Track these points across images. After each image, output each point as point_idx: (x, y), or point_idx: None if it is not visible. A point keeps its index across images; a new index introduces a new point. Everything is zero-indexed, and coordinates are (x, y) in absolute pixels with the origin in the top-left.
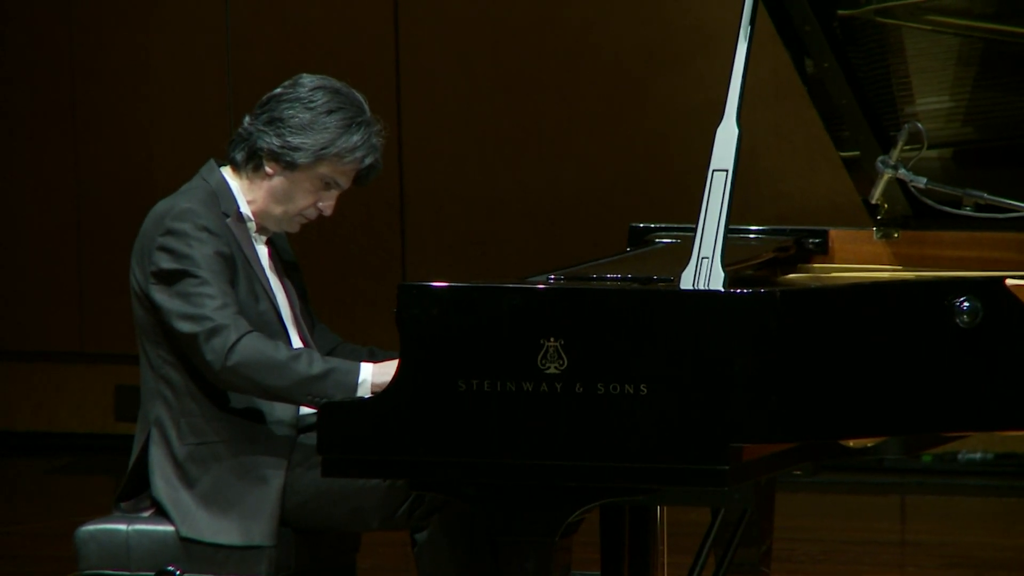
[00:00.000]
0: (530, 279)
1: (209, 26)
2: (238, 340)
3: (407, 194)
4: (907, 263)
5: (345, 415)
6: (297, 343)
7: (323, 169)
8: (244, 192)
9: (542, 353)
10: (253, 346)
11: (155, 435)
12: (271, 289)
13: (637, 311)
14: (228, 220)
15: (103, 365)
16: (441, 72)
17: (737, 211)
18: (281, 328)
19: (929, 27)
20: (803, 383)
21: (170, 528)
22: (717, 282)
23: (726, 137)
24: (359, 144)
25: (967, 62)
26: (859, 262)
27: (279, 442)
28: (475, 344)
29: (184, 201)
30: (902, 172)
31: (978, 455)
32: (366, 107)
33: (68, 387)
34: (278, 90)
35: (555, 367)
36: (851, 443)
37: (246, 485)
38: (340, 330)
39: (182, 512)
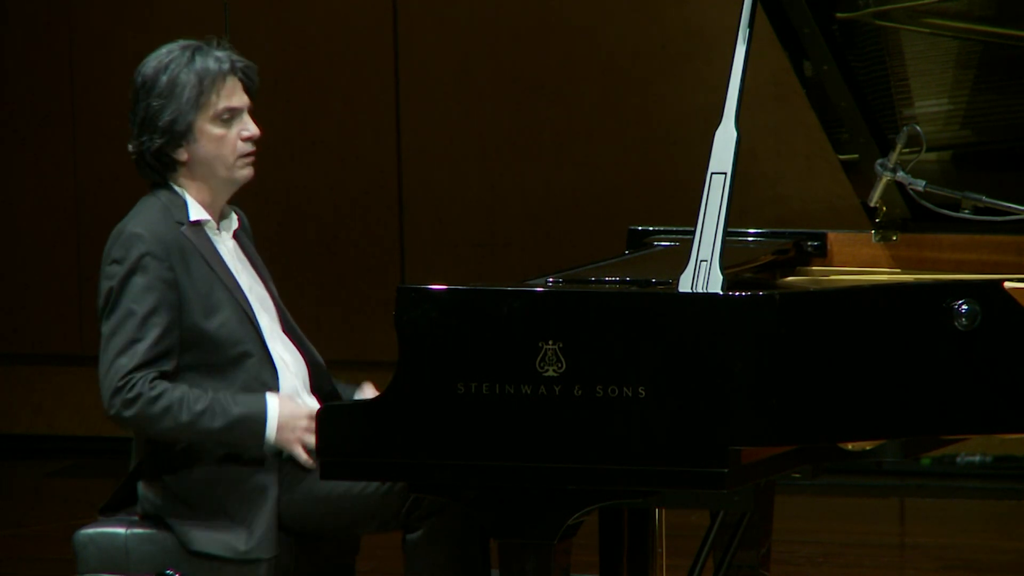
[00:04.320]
0: (529, 282)
1: (209, 27)
2: (129, 394)
3: (406, 197)
4: (906, 266)
5: (344, 418)
6: (276, 341)
7: (206, 112)
8: (191, 192)
9: (541, 356)
10: (146, 403)
11: (149, 452)
12: (239, 289)
13: (636, 314)
14: (183, 229)
15: None
16: (440, 75)
17: (736, 214)
18: (251, 329)
19: (928, 30)
20: (802, 386)
21: (170, 532)
22: (716, 285)
23: (725, 140)
24: (204, 66)
25: (965, 65)
26: (858, 265)
27: (270, 456)
28: (474, 347)
29: (134, 224)
30: (901, 175)
31: (977, 458)
32: (185, 41)
33: (68, 390)
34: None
35: (554, 370)
36: (850, 446)
37: (241, 499)
38: (339, 332)
39: (180, 527)
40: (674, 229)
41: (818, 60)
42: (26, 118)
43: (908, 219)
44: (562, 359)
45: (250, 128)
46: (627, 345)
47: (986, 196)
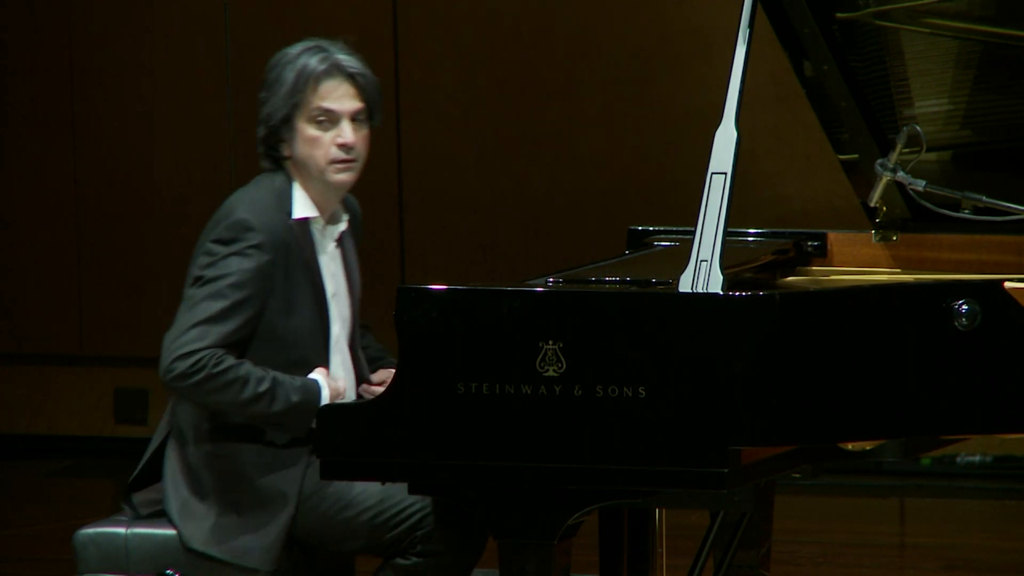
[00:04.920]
0: (529, 282)
1: (209, 28)
2: (194, 366)
3: (406, 197)
4: (906, 266)
5: (344, 417)
6: (337, 354)
7: (302, 111)
8: (301, 185)
9: (541, 356)
10: (213, 372)
11: (174, 434)
12: (324, 297)
13: (636, 314)
14: (291, 222)
15: (103, 368)
16: (440, 75)
17: (736, 214)
18: (320, 339)
19: (928, 30)
20: (802, 386)
21: (169, 532)
22: (716, 285)
23: (725, 140)
24: (305, 64)
25: (965, 65)
26: (858, 265)
27: (294, 470)
28: (474, 347)
29: (246, 209)
30: (901, 175)
31: (977, 458)
32: (314, 40)
33: (68, 390)
34: None
35: (554, 370)
36: (850, 446)
37: (255, 507)
38: None
39: (185, 518)
40: (674, 229)
41: (818, 60)
42: (27, 120)
43: (908, 219)
44: (562, 359)
45: (345, 135)
46: (627, 345)
47: (986, 196)
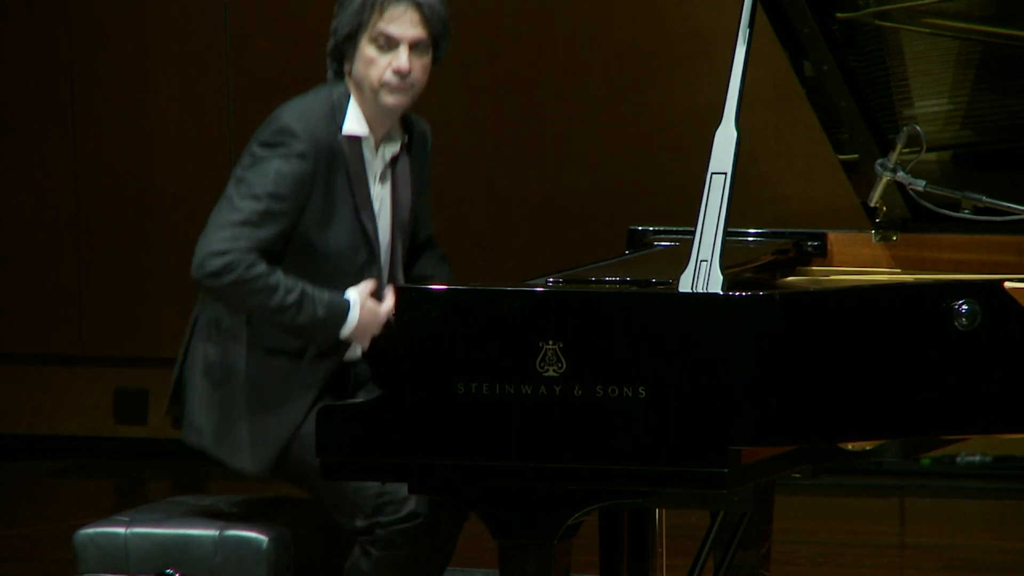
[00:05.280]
0: (529, 282)
1: (208, 27)
2: (225, 267)
3: None
4: (906, 266)
5: (344, 418)
6: (373, 281)
7: (366, 31)
8: (356, 100)
9: (541, 356)
10: (241, 279)
11: (198, 330)
12: (370, 215)
13: (636, 314)
14: (340, 137)
15: (103, 368)
16: (440, 75)
17: (736, 214)
18: (359, 260)
19: (927, 30)
20: (802, 386)
21: (170, 531)
22: (716, 285)
23: (725, 140)
24: None
25: (965, 65)
26: (858, 265)
27: (307, 391)
28: (474, 347)
29: (295, 117)
30: (901, 175)
31: (977, 458)
32: None
33: (68, 390)
34: None
35: (554, 370)
36: (850, 446)
37: (260, 411)
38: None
39: (193, 410)
40: (674, 229)
41: (818, 60)
42: (27, 119)
43: (908, 219)
44: (562, 359)
45: (400, 61)
46: (627, 345)
47: (986, 196)
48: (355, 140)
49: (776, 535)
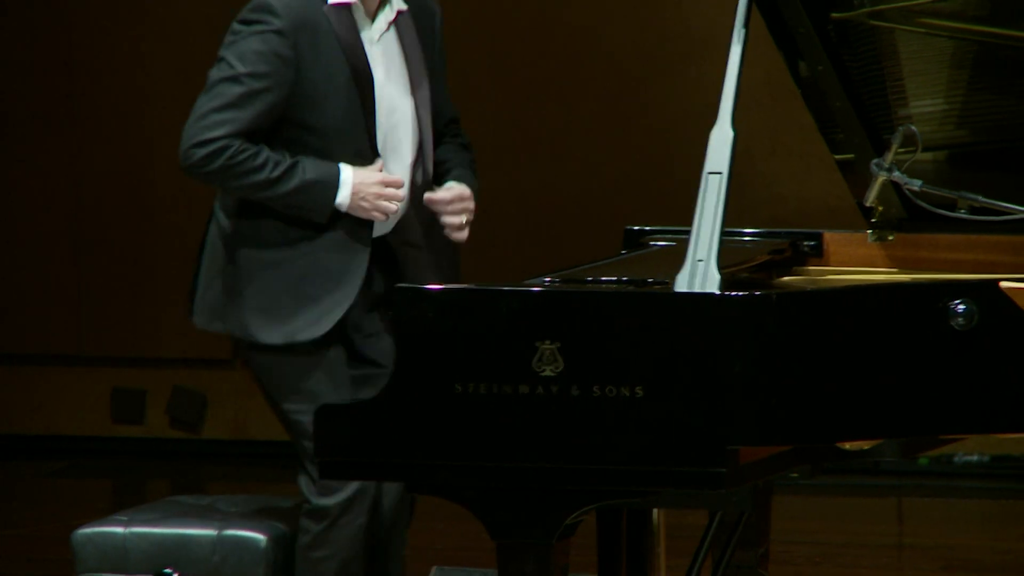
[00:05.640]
0: (526, 282)
1: (208, 24)
2: (213, 153)
3: None
4: (902, 265)
5: (342, 418)
6: (390, 154)
7: None
8: None
9: (538, 356)
10: (230, 162)
11: (215, 213)
12: (365, 85)
13: (633, 313)
14: (328, 7)
15: (101, 368)
16: None
17: (732, 214)
18: (365, 131)
19: (923, 30)
20: (799, 386)
21: (168, 530)
22: (712, 284)
23: (721, 140)
24: None
25: (961, 65)
26: (854, 265)
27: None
28: (471, 347)
29: None
30: (896, 175)
31: (975, 457)
32: None
33: (66, 390)
34: None
35: (551, 370)
36: (848, 446)
37: (258, 281)
38: None
39: (203, 287)
40: (671, 229)
41: (813, 60)
42: (25, 118)
43: (904, 219)
44: (559, 359)
45: None
46: (624, 345)
47: (982, 196)
48: (343, 9)
49: (774, 535)
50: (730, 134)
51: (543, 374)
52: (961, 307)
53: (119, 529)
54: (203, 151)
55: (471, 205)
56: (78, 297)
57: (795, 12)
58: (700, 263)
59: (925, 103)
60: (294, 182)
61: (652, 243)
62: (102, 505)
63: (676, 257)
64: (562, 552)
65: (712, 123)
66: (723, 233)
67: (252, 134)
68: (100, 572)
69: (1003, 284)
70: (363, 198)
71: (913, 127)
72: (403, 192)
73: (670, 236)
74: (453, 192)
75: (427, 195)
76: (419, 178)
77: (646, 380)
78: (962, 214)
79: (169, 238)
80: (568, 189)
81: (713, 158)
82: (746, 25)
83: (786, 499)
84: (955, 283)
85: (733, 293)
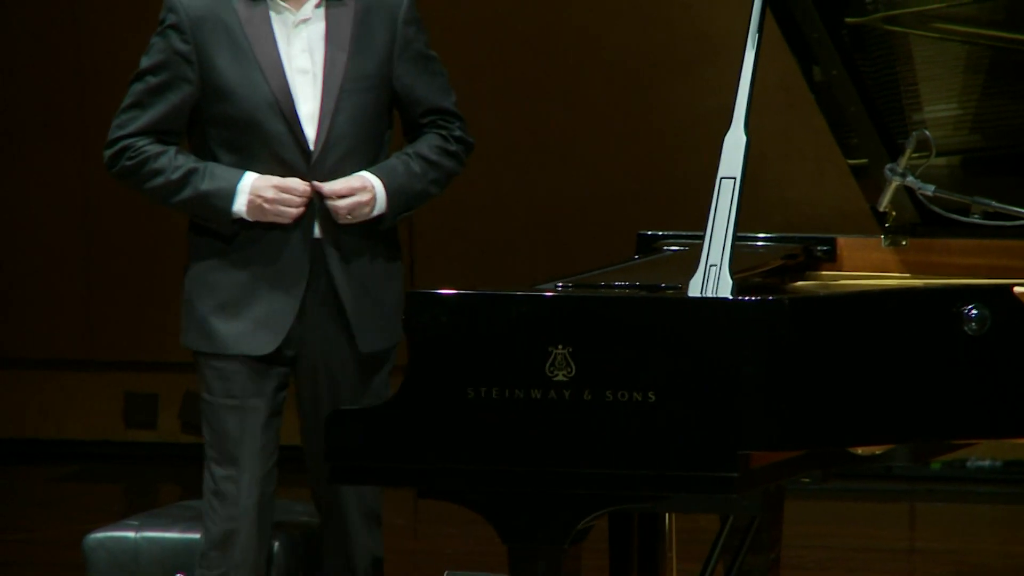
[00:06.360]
0: (538, 287)
1: None
2: (117, 153)
3: None
4: (915, 270)
5: (354, 422)
6: (308, 129)
7: None
8: None
9: (550, 360)
10: (129, 164)
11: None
12: (275, 78)
13: (645, 318)
14: (236, 2)
15: (112, 372)
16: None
17: (745, 218)
18: (283, 122)
19: (937, 35)
20: (811, 390)
21: (180, 535)
22: (725, 289)
23: (734, 144)
24: None
25: (975, 70)
26: (867, 269)
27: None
28: (483, 352)
29: None
30: (910, 180)
31: (987, 462)
32: None
33: (76, 394)
34: None
35: (563, 374)
36: (860, 450)
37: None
38: None
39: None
40: (683, 234)
41: (827, 65)
42: (34, 122)
43: (917, 224)
44: (572, 364)
45: None
46: (636, 350)
47: (995, 201)
48: (257, 1)
49: (785, 539)
50: (743, 139)
51: (555, 379)
52: (974, 312)
53: (131, 534)
54: (108, 152)
55: (362, 198)
56: (89, 301)
57: (809, 17)
58: (713, 268)
59: (939, 108)
60: (188, 191)
61: (665, 248)
62: (113, 509)
63: (689, 262)
64: (574, 556)
65: (725, 127)
66: (736, 238)
67: (165, 134)
68: None
69: (1016, 289)
70: (259, 205)
71: (927, 132)
72: (301, 189)
73: (683, 241)
74: (335, 185)
75: (314, 184)
76: (328, 167)
77: (658, 385)
78: (975, 219)
79: (180, 242)
80: (580, 194)
81: (726, 163)
82: (760, 30)
83: (798, 504)
84: (968, 288)
85: (746, 298)
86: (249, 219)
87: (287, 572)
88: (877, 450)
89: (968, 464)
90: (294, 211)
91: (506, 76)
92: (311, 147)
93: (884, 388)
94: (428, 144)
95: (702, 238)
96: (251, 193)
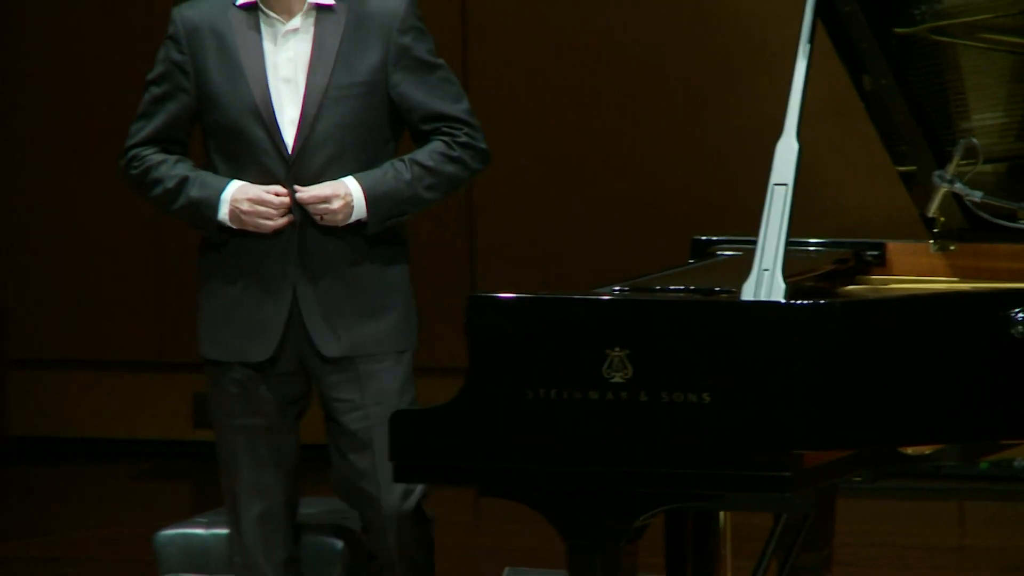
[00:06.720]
0: (596, 290)
1: None
2: (127, 163)
3: (477, 208)
4: (963, 275)
5: (416, 423)
6: (287, 136)
7: None
8: None
9: (607, 363)
10: (135, 173)
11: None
12: (256, 86)
13: (700, 321)
14: (231, 12)
15: (181, 374)
16: (509, 89)
17: (797, 224)
18: (264, 130)
19: (984, 45)
20: (862, 392)
21: None
22: (778, 293)
23: (786, 152)
24: None
25: (1020, 79)
26: (916, 274)
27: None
28: (542, 354)
29: (187, 3)
30: (958, 186)
31: None
32: None
33: (147, 395)
34: None
35: (620, 376)
36: (910, 450)
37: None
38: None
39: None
40: (737, 239)
41: (877, 74)
42: (106, 127)
43: (965, 229)
44: (628, 366)
45: None
46: (691, 352)
47: None
48: (249, 9)
49: (838, 537)
50: (795, 146)
51: (612, 380)
52: (1021, 315)
53: (200, 531)
54: (120, 161)
55: (333, 205)
56: (159, 306)
57: (859, 27)
58: (766, 272)
59: (986, 116)
60: (182, 200)
61: (719, 253)
62: (183, 507)
63: (743, 266)
64: (631, 553)
65: (777, 135)
66: (788, 243)
67: (168, 143)
68: (182, 572)
69: None
70: (238, 216)
71: (974, 140)
72: (276, 201)
73: (736, 246)
74: (304, 193)
75: (293, 190)
76: (311, 173)
77: (713, 386)
78: (1022, 224)
79: None
80: (636, 200)
81: (779, 170)
82: (811, 40)
83: (849, 502)
84: (1015, 292)
85: (798, 302)
86: (233, 227)
87: (350, 571)
88: (926, 450)
89: (1016, 464)
90: (271, 223)
91: (567, 86)
92: (289, 153)
93: (933, 390)
94: (428, 150)
95: (755, 243)
96: (231, 203)
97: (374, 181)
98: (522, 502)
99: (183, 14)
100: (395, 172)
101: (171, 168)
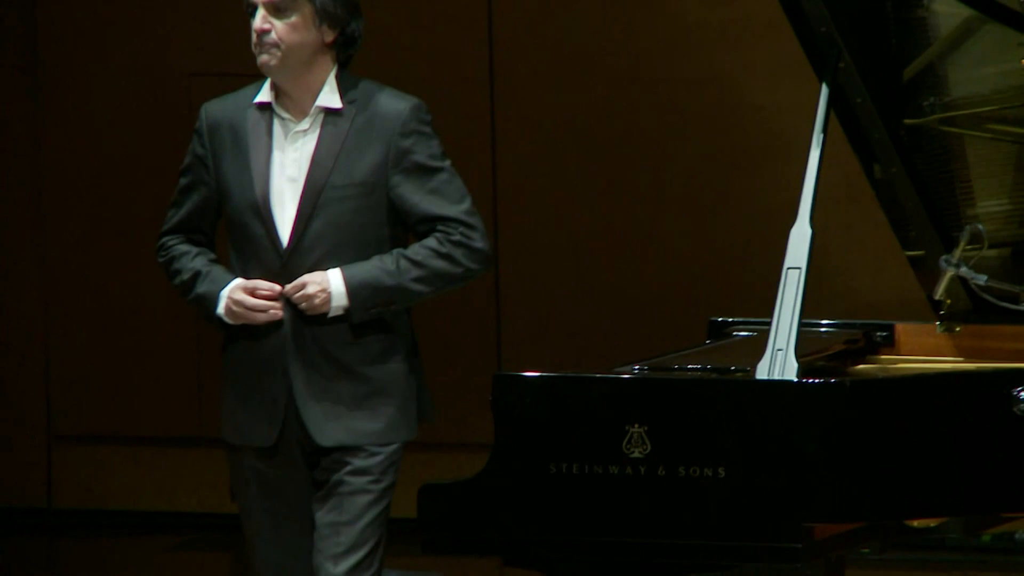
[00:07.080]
0: (616, 368)
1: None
2: (157, 250)
3: (502, 288)
4: (968, 355)
5: (443, 496)
6: (283, 232)
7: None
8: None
9: (627, 438)
10: (162, 261)
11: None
12: (259, 183)
13: (716, 399)
14: (250, 109)
15: (219, 449)
16: (535, 173)
17: (809, 306)
18: (262, 227)
19: (990, 135)
20: (871, 467)
21: None
22: (791, 372)
23: (800, 237)
24: None
25: None
26: (924, 354)
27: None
28: (565, 430)
29: (216, 99)
30: (964, 270)
31: None
32: None
33: (188, 469)
34: None
35: (639, 451)
36: (916, 523)
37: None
38: (438, 415)
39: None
40: (752, 320)
41: (887, 163)
42: (148, 208)
43: (971, 311)
44: (647, 441)
45: (255, 23)
46: (708, 428)
47: None
48: (265, 107)
49: None
50: (808, 231)
51: (632, 455)
52: (1023, 394)
53: None
54: (156, 246)
55: (309, 291)
56: (199, 383)
57: (871, 118)
58: (780, 352)
59: (991, 203)
60: (193, 292)
61: (735, 333)
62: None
63: (757, 346)
64: None
65: (792, 221)
66: (801, 324)
67: (193, 232)
68: None
69: None
70: (233, 312)
71: (980, 226)
72: (261, 298)
73: (751, 327)
74: (292, 284)
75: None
76: (305, 268)
77: (728, 461)
78: None
79: None
80: (655, 283)
81: (792, 254)
82: (824, 130)
83: (857, 573)
84: (1019, 371)
85: (810, 380)
86: (230, 322)
87: None
88: (932, 523)
89: (1016, 536)
90: (262, 316)
91: (592, 172)
92: (284, 248)
93: (939, 465)
94: (419, 245)
95: (769, 324)
96: (226, 300)
97: (356, 270)
98: (545, 572)
99: (208, 109)
100: (379, 263)
101: (190, 261)
